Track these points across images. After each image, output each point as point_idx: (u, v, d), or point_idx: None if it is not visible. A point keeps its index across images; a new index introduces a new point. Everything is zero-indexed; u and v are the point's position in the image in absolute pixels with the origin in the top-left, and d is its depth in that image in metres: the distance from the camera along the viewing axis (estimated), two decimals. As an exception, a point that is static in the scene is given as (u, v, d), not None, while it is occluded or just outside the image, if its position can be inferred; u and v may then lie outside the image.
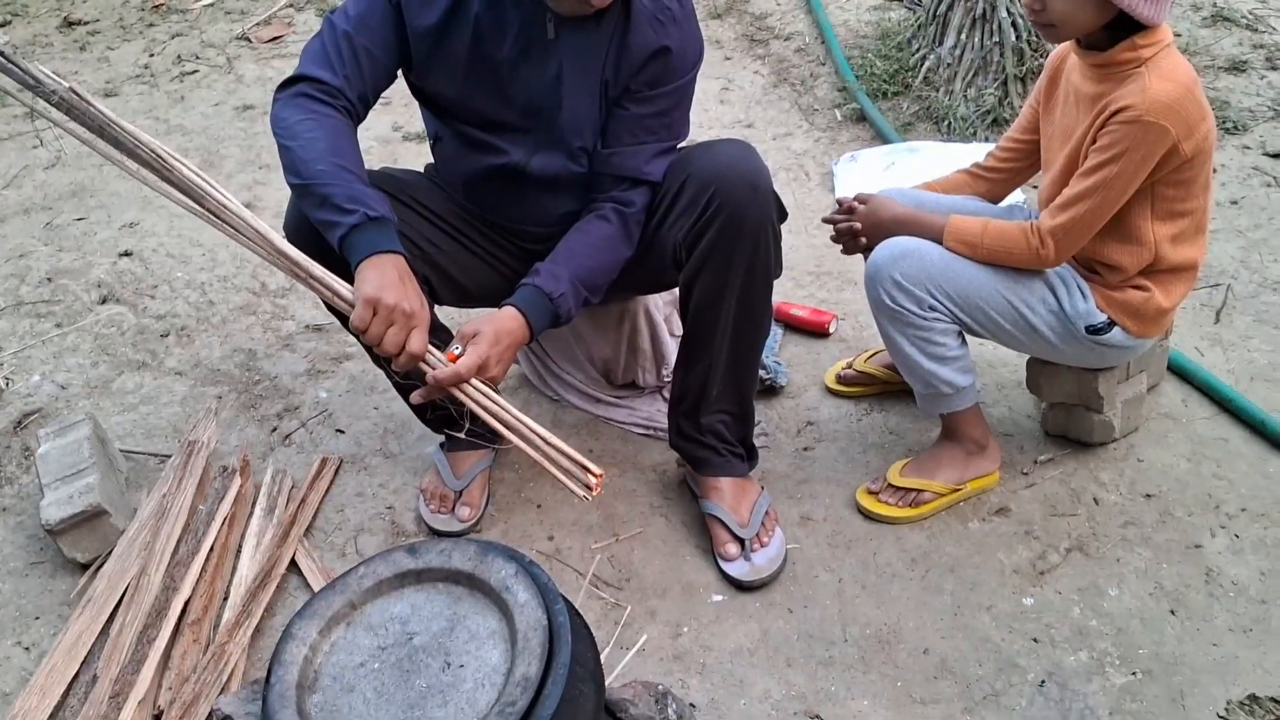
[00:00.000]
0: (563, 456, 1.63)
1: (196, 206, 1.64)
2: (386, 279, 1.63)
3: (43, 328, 2.85)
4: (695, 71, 1.96)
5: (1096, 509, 2.06)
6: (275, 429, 2.46)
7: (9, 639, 2.02)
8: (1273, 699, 1.69)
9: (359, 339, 1.72)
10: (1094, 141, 1.77)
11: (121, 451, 2.38)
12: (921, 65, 3.38)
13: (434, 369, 1.67)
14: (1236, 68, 3.40)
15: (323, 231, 1.71)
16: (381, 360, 1.88)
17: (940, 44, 3.34)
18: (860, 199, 2.06)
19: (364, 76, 1.83)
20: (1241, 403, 2.18)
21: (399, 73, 1.93)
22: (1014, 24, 3.21)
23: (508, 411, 1.65)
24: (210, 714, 1.78)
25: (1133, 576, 1.93)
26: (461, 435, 2.02)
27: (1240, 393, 2.22)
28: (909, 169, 2.99)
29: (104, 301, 2.93)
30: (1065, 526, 2.03)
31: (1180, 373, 2.30)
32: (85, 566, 2.13)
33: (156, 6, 4.79)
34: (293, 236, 1.86)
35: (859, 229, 2.02)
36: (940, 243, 1.92)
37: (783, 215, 1.93)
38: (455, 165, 2.03)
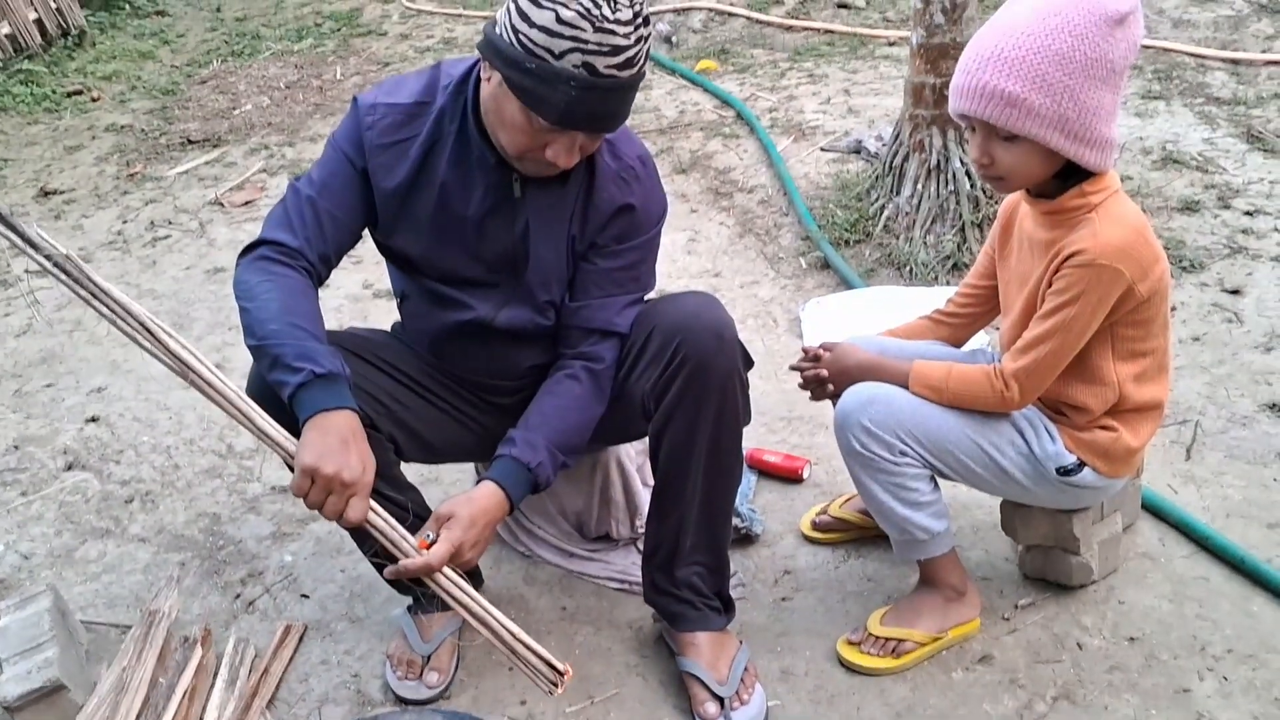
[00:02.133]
0: (530, 653, 1.61)
1: (184, 370, 1.64)
2: (327, 445, 1.61)
3: (7, 496, 2.80)
4: (659, 227, 1.99)
5: (1081, 654, 2.02)
6: (239, 596, 2.40)
7: (-46, 829, 1.92)
8: None
9: None
10: (1050, 285, 1.80)
11: (83, 623, 2.31)
12: (881, 214, 3.47)
13: (405, 555, 1.65)
14: (1189, 208, 3.51)
15: (277, 391, 1.70)
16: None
17: (898, 194, 3.43)
18: (825, 347, 2.07)
19: (325, 238, 1.85)
20: (1219, 541, 2.17)
21: (365, 233, 1.95)
22: (968, 174, 3.31)
23: (478, 603, 1.64)
24: None
25: (1122, 724, 1.88)
26: (434, 610, 2.00)
27: (1217, 530, 2.21)
28: (874, 313, 3.02)
29: (69, 468, 2.89)
30: (1050, 674, 1.99)
31: (1155, 511, 2.29)
32: (40, 747, 2.04)
33: (132, 175, 4.88)
34: (255, 398, 1.85)
35: (825, 376, 2.03)
36: (906, 388, 1.93)
37: (749, 364, 1.94)
38: (422, 322, 2.04)
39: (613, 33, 1.58)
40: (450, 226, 1.90)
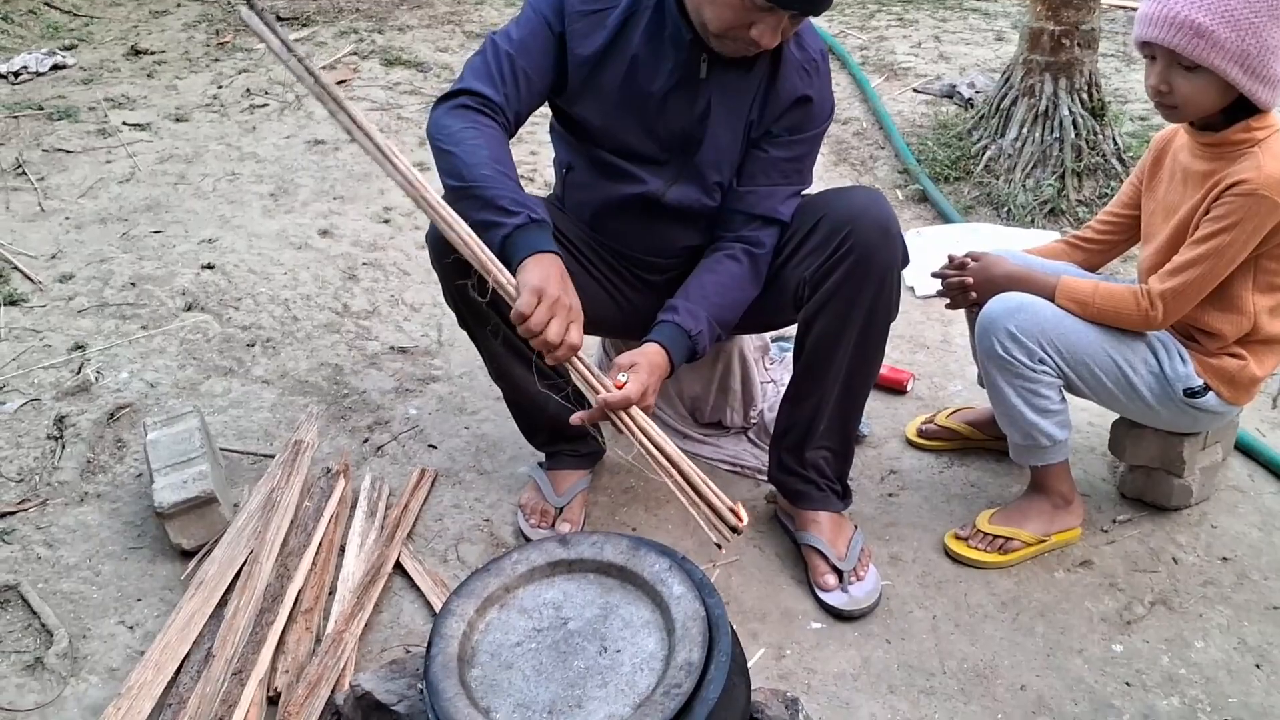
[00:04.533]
0: (710, 499, 1.69)
1: (410, 188, 1.71)
2: (550, 274, 1.71)
3: (128, 329, 2.90)
4: (828, 124, 2.08)
5: (1176, 568, 2.15)
6: (367, 440, 2.51)
7: (112, 618, 2.04)
8: (1364, 750, 1.77)
9: (505, 334, 1.88)
10: (1207, 213, 1.90)
11: (220, 449, 2.42)
12: (983, 154, 3.55)
13: (600, 390, 1.73)
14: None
15: (482, 232, 1.76)
16: (528, 365, 1.98)
17: (1002, 135, 3.52)
18: (972, 256, 2.17)
19: (520, 97, 1.93)
20: (1310, 480, 2.30)
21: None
22: (1074, 122, 3.40)
23: (666, 443, 1.72)
24: (331, 696, 1.81)
25: (1216, 631, 2.01)
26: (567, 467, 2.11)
27: (1305, 472, 2.34)
28: (973, 248, 3.11)
29: (189, 309, 2.98)
30: (1147, 581, 2.12)
31: (1247, 450, 2.42)
32: (186, 554, 2.16)
33: (222, 44, 4.92)
34: (435, 248, 1.96)
35: (970, 283, 2.14)
36: (1051, 300, 2.03)
37: (905, 261, 2.04)
38: (587, 193, 2.12)
39: None
40: (634, 99, 1.97)
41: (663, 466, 1.73)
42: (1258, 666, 1.94)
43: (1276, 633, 2.01)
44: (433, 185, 1.78)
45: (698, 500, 1.71)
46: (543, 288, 1.66)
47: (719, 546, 1.69)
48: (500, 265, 1.73)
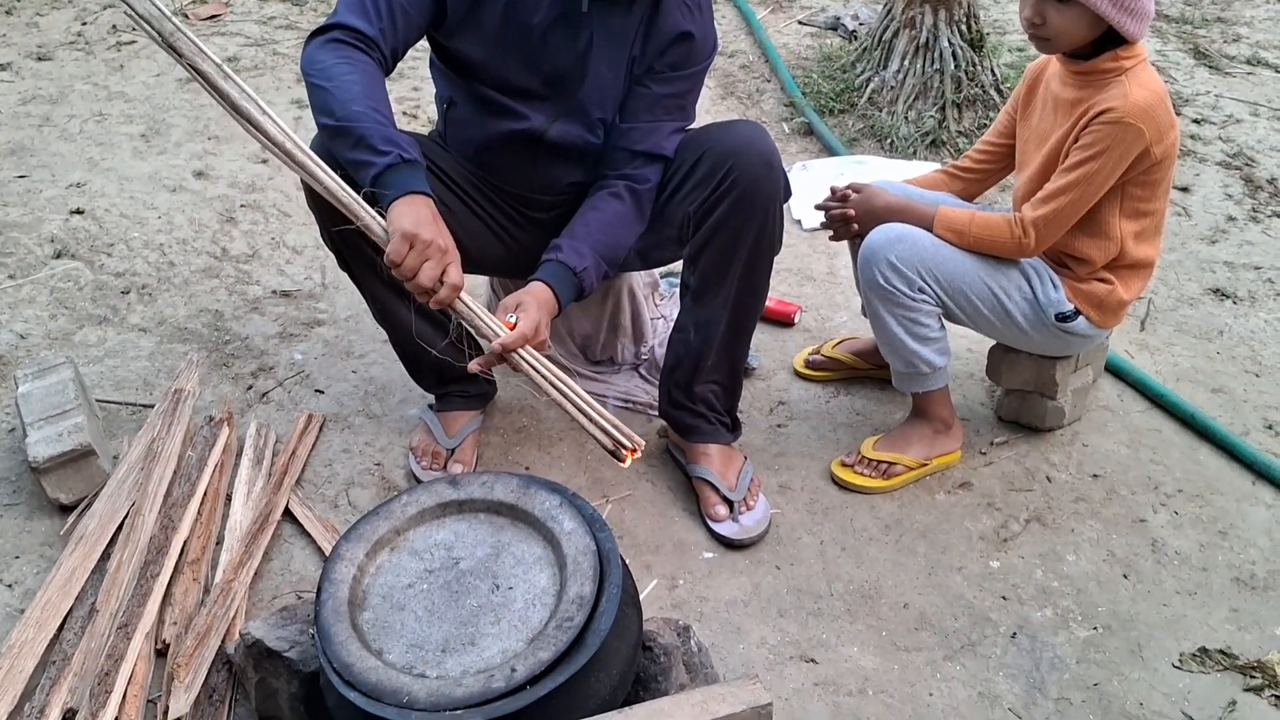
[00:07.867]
0: (605, 425, 1.70)
1: (262, 137, 1.65)
2: (420, 216, 1.68)
3: (-6, 278, 2.78)
4: (711, 60, 2.08)
5: (1050, 486, 2.24)
6: (251, 387, 2.46)
7: (-11, 577, 1.98)
8: (1220, 651, 1.88)
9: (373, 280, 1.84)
10: (1076, 141, 1.96)
11: (97, 400, 2.35)
12: (866, 86, 3.59)
13: (491, 334, 1.71)
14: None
15: (353, 171, 1.73)
16: (411, 310, 1.95)
17: (885, 68, 3.56)
18: (854, 188, 2.20)
19: (397, 31, 1.88)
20: (1173, 398, 2.40)
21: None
22: (954, 54, 3.45)
23: (558, 378, 1.71)
24: (222, 646, 1.79)
25: (1087, 545, 2.11)
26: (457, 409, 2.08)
27: (1170, 389, 2.44)
28: (857, 180, 3.15)
29: (58, 256, 2.86)
30: (1023, 500, 2.21)
31: (1116, 371, 2.52)
32: (65, 508, 2.10)
33: (84, -24, 4.67)
34: (310, 188, 1.90)
35: (852, 215, 2.17)
36: (930, 230, 2.08)
37: (787, 194, 2.05)
38: (469, 130, 2.08)
39: None
40: (515, 33, 1.94)
41: (562, 399, 1.72)
42: (1125, 576, 2.04)
43: (1142, 544, 2.11)
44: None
45: (597, 427, 1.71)
46: (414, 232, 1.64)
47: (620, 460, 1.68)
48: (373, 212, 1.69)
